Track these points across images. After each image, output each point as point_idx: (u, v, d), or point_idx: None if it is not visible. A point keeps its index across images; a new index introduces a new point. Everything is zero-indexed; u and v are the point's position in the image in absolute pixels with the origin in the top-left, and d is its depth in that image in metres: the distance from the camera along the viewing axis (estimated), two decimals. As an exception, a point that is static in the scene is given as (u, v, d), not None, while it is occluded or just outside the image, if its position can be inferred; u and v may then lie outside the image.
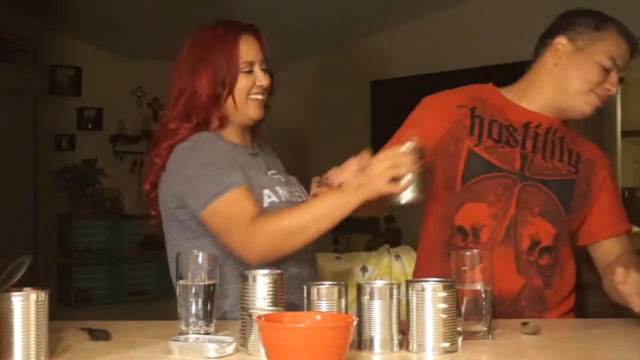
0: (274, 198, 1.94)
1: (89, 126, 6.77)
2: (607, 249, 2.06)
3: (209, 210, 1.84)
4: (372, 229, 6.29)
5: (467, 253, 1.65)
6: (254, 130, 2.14)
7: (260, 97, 2.03)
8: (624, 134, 5.66)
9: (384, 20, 6.26)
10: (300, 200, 2.04)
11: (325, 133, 6.70)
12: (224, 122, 2.00)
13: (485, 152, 2.01)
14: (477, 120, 2.05)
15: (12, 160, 6.10)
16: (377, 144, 2.18)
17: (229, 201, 1.83)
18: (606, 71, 2.02)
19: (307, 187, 2.13)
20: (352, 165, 1.81)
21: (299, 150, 6.83)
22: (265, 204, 1.92)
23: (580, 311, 2.37)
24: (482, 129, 2.04)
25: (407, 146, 1.69)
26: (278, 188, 1.98)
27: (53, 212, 6.45)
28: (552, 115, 2.07)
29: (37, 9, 6.01)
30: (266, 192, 1.95)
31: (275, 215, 1.84)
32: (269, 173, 2.05)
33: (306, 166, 6.27)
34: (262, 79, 2.01)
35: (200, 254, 1.63)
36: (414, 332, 1.48)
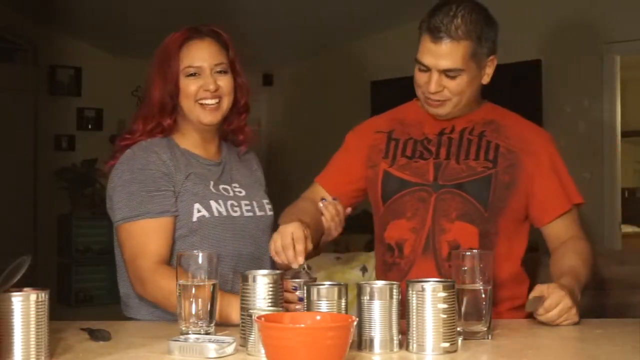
0: (204, 213, 1.96)
1: (89, 126, 6.77)
2: (553, 231, 2.06)
3: (121, 228, 1.94)
4: (372, 229, 6.27)
5: (467, 253, 1.65)
6: (230, 137, 2.14)
7: (210, 102, 2.01)
8: (624, 134, 5.66)
9: (383, 21, 6.26)
10: (247, 215, 2.03)
11: (325, 133, 6.69)
12: (172, 128, 2.03)
13: (398, 170, 2.09)
14: (393, 142, 2.14)
15: (12, 160, 6.09)
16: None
17: (139, 230, 1.92)
18: (426, 72, 2.01)
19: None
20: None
21: (299, 149, 6.83)
22: (194, 219, 1.95)
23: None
24: (396, 149, 2.13)
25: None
26: (213, 202, 1.98)
27: (53, 212, 6.44)
28: (461, 113, 2.08)
29: (37, 9, 6.00)
30: (197, 206, 1.96)
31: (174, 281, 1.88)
32: (221, 186, 2.04)
33: (306, 166, 6.27)
34: (209, 84, 1.99)
35: (200, 254, 1.64)
36: (414, 332, 1.48)
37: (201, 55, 2.00)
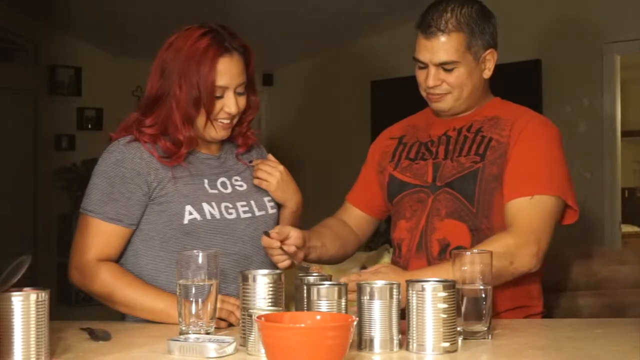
0: (195, 215, 1.93)
1: (89, 126, 6.77)
2: (506, 212, 1.96)
3: (80, 216, 1.95)
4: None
5: (467, 253, 1.65)
6: (238, 132, 2.08)
7: (226, 121, 1.98)
8: (624, 134, 5.66)
9: (384, 21, 6.26)
10: (244, 217, 1.99)
11: (325, 133, 6.70)
12: (192, 142, 1.97)
13: (400, 172, 2.14)
14: (401, 146, 2.18)
15: (12, 160, 6.09)
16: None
17: (92, 225, 1.92)
18: (425, 69, 2.06)
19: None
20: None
21: (299, 149, 6.83)
22: (185, 221, 1.92)
23: (575, 311, 2.37)
24: (402, 153, 2.17)
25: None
26: (205, 205, 1.95)
27: (53, 212, 6.44)
28: (466, 109, 2.10)
29: (37, 9, 6.00)
30: (188, 208, 1.93)
31: (119, 277, 1.92)
32: (219, 180, 2.01)
33: (305, 166, 6.27)
34: (232, 107, 1.95)
35: (200, 254, 1.64)
36: (414, 332, 1.48)
37: (229, 74, 1.93)
